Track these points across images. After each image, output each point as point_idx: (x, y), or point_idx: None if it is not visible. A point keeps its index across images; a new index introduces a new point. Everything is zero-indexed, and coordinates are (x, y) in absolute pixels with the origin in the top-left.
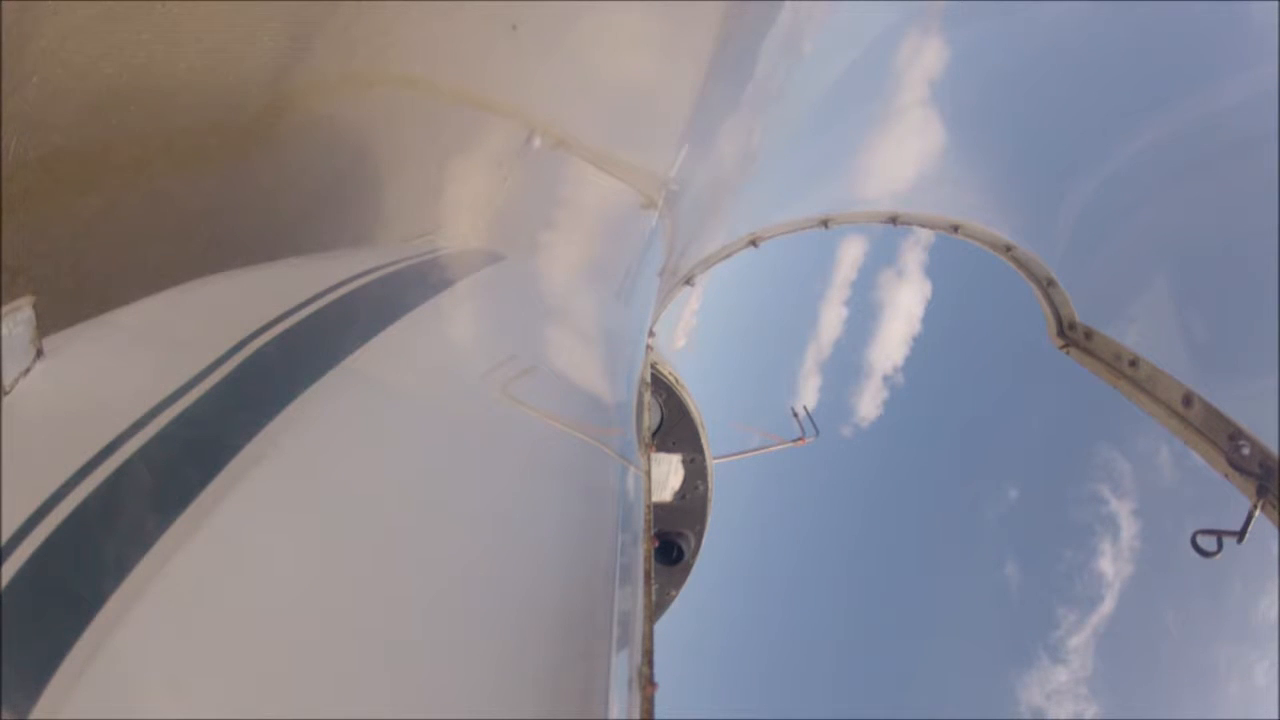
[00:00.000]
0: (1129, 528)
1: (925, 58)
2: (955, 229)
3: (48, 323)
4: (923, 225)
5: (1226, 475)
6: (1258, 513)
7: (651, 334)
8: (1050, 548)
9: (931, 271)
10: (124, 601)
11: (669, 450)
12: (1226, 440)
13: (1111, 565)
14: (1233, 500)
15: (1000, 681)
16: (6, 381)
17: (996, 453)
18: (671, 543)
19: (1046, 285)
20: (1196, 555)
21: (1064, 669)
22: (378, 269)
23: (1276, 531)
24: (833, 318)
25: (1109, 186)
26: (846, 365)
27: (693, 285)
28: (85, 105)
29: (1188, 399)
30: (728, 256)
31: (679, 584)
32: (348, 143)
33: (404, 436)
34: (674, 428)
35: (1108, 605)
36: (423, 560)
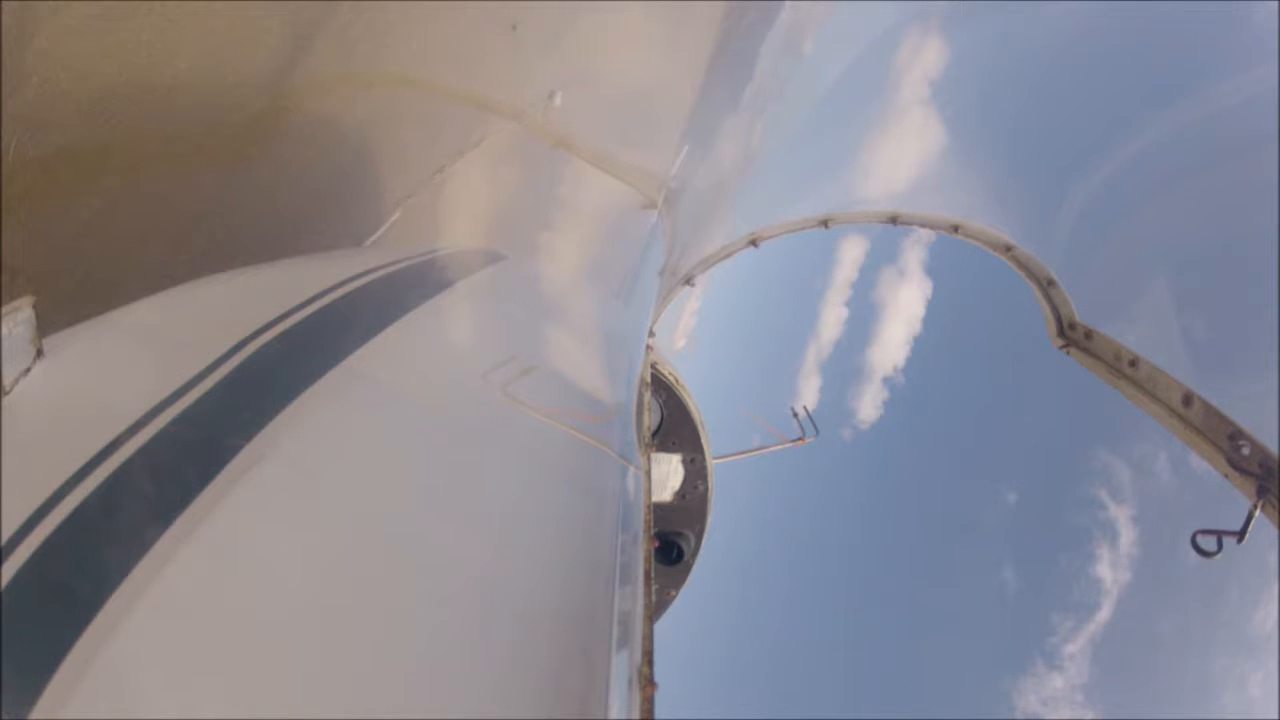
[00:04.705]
0: (1127, 534)
1: (925, 58)
2: (955, 229)
3: (48, 323)
4: (923, 225)
5: (1226, 475)
6: (1258, 513)
7: (651, 334)
8: (1048, 553)
9: (931, 271)
10: (124, 602)
11: (669, 450)
12: (1226, 440)
13: (1110, 571)
14: (1231, 507)
15: (996, 686)
16: (6, 381)
17: (995, 456)
18: (671, 543)
19: (1046, 285)
20: (1194, 562)
21: (1060, 675)
22: (378, 269)
23: (1276, 531)
24: (833, 318)
25: (1109, 186)
26: (847, 366)
27: (693, 285)
28: (85, 105)
29: (1188, 399)
30: (728, 256)
31: (679, 584)
32: (348, 143)
33: (404, 437)
34: (674, 428)
35: (1105, 612)
36: (422, 560)
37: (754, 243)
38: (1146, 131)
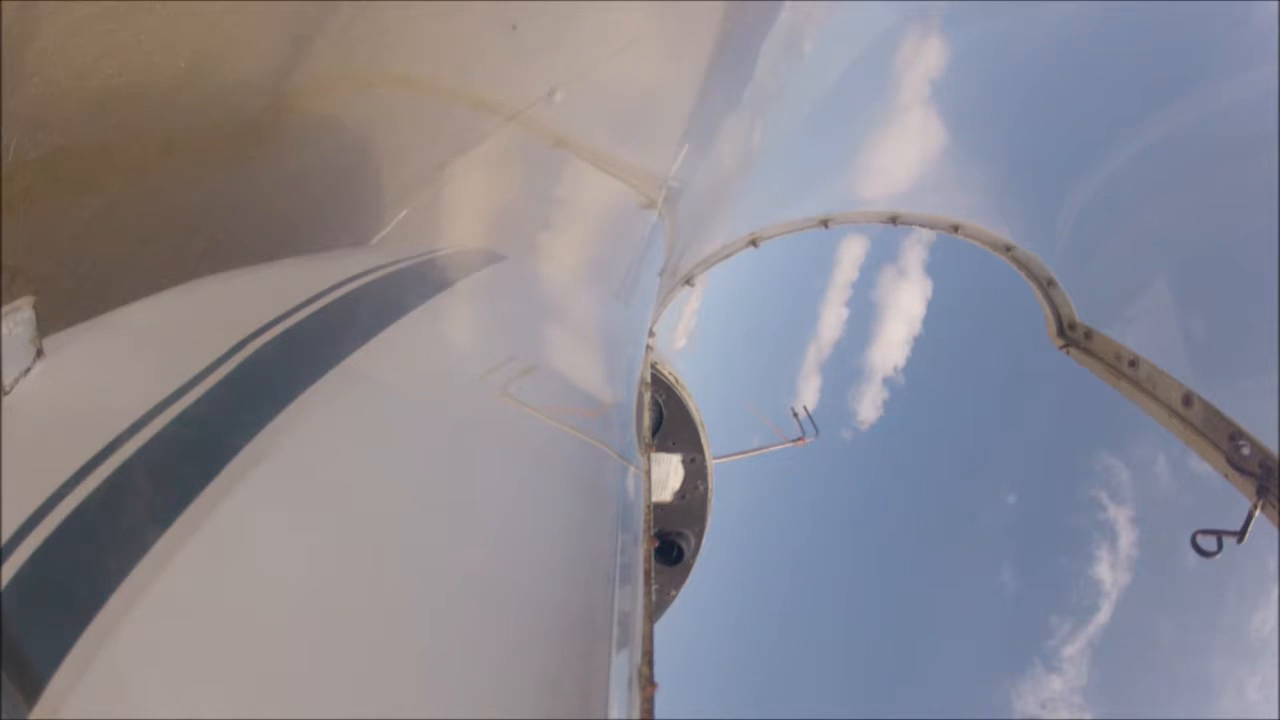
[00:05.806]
0: (1127, 535)
1: (925, 58)
2: (955, 229)
3: (48, 323)
4: (923, 225)
5: (1226, 475)
6: (1258, 513)
7: (651, 334)
8: (1047, 554)
9: (932, 272)
10: (124, 602)
11: (669, 450)
12: (1226, 440)
13: (1109, 573)
14: (1230, 509)
15: (995, 688)
16: (6, 381)
17: (995, 456)
18: (671, 543)
19: (1046, 285)
20: (1194, 564)
21: (1059, 677)
22: (378, 269)
23: (1276, 532)
24: (833, 318)
25: (1109, 186)
26: (846, 366)
27: (693, 285)
28: (85, 105)
29: (1188, 399)
30: (728, 256)
31: (679, 584)
32: (347, 143)
33: (404, 437)
34: (674, 428)
35: (1104, 614)
36: (422, 560)
37: (754, 243)
38: (1147, 131)
